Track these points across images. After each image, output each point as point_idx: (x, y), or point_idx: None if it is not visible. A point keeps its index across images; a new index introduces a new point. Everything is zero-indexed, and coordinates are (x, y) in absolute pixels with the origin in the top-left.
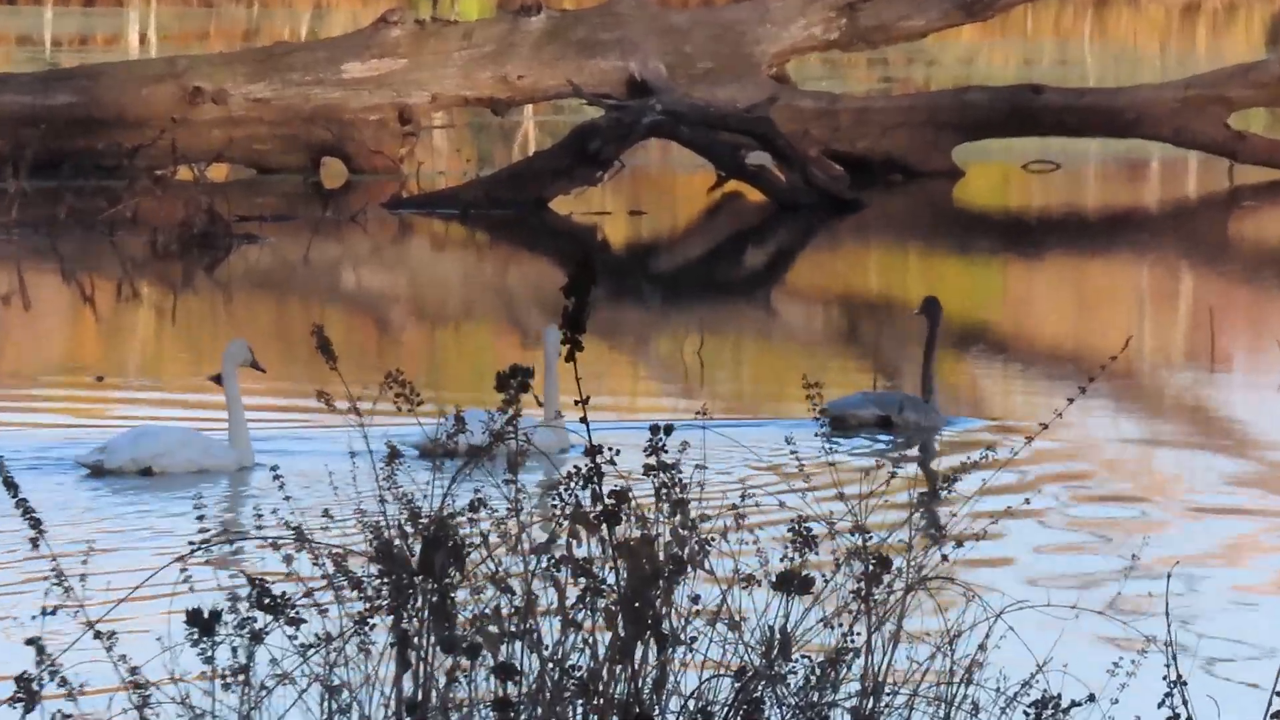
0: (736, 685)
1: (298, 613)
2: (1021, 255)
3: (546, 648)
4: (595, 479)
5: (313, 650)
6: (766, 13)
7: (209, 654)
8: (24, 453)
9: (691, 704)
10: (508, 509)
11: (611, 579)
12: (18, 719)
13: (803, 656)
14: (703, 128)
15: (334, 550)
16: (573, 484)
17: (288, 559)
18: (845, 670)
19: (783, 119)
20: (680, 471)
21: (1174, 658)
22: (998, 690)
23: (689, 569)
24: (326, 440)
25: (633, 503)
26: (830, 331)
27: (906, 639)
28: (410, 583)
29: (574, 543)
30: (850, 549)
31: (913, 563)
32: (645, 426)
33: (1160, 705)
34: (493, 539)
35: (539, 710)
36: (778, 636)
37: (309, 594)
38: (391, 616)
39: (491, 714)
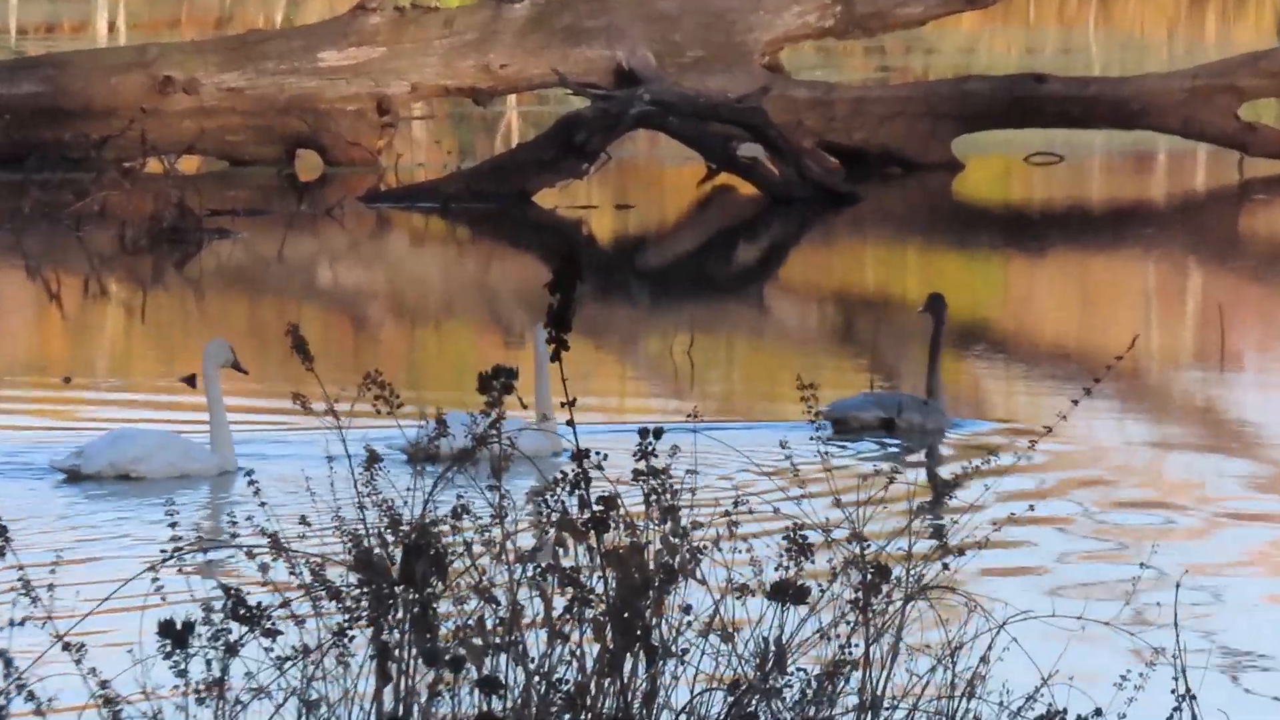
0: (730, 699)
1: (274, 624)
2: (1024, 251)
3: (532, 660)
4: (583, 484)
5: (290, 663)
6: None
7: (182, 667)
8: None
9: (683, 719)
10: (492, 515)
11: (600, 589)
12: None
13: (798, 669)
14: (693, 118)
15: (312, 559)
16: (559, 489)
17: (264, 568)
18: (843, 684)
19: (776, 109)
20: (671, 476)
21: (1183, 670)
22: (1001, 704)
23: (680, 578)
24: (306, 444)
25: (622, 509)
26: (825, 330)
27: (906, 651)
28: (391, 593)
29: (561, 551)
30: (848, 557)
31: (912, 571)
32: (634, 429)
33: (1169, 719)
34: (476, 547)
35: None
36: (772, 648)
37: (286, 604)
38: (371, 628)
39: None
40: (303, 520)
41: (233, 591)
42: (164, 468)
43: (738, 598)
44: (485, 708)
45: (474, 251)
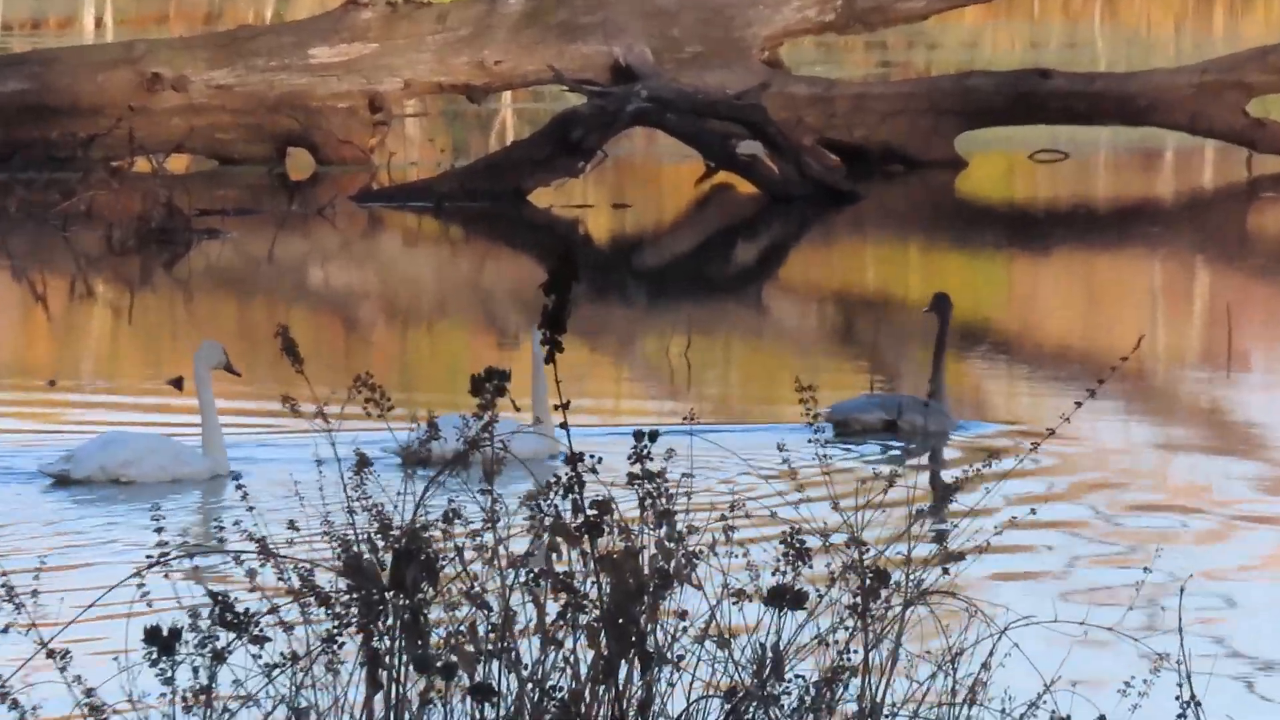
0: (726, 706)
1: (262, 630)
2: (1028, 250)
3: (525, 667)
4: (576, 488)
5: (278, 670)
6: None
7: (169, 674)
8: None
9: None
10: (484, 520)
11: (594, 594)
12: None
13: (796, 676)
14: (691, 115)
15: (300, 564)
16: (553, 493)
17: (251, 574)
18: (841, 690)
19: (775, 106)
20: (667, 480)
21: (1188, 676)
22: (1003, 711)
23: (676, 583)
24: (296, 447)
25: (616, 513)
26: (825, 331)
27: (906, 657)
28: (381, 598)
29: (554, 555)
30: (846, 562)
31: (912, 576)
32: (630, 432)
33: None
34: (468, 552)
35: None
36: (770, 655)
37: (274, 610)
38: (361, 634)
39: None
40: (291, 525)
41: (220, 597)
42: (155, 471)
43: (734, 603)
44: (478, 715)
45: (468, 252)
